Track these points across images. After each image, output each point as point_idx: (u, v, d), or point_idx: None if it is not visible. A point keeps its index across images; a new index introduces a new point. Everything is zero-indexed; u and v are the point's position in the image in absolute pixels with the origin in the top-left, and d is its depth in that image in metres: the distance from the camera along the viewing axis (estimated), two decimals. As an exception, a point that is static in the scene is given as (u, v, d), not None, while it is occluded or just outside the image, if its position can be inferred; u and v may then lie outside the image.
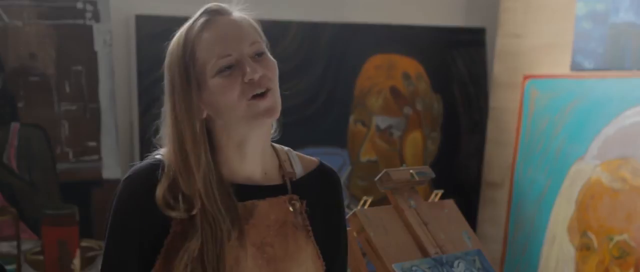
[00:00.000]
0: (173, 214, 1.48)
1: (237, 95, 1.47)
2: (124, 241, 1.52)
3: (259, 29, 1.55)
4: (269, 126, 1.57)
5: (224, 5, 1.53)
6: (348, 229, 1.81)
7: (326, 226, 1.64)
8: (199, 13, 1.51)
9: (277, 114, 1.50)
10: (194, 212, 1.47)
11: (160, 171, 1.50)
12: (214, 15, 1.51)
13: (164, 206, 1.48)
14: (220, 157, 1.53)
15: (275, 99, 1.49)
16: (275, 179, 1.59)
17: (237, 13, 1.53)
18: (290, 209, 1.57)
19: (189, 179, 1.48)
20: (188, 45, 1.48)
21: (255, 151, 1.55)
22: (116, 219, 1.53)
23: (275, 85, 1.50)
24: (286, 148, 1.65)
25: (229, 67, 1.48)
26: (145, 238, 1.50)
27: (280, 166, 1.61)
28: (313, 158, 1.68)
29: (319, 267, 1.60)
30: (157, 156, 1.55)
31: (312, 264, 1.58)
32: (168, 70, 1.52)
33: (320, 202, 1.63)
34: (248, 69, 1.46)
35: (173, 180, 1.50)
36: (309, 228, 1.59)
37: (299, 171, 1.63)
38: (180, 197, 1.48)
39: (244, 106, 1.47)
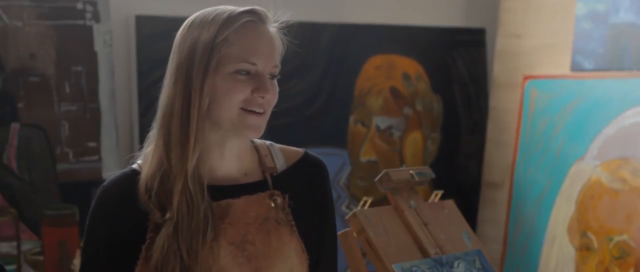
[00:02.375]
0: (153, 207, 1.50)
1: (239, 100, 1.50)
2: (98, 253, 1.54)
3: (282, 53, 1.58)
4: (249, 138, 1.60)
5: (269, 14, 1.56)
6: (348, 229, 1.81)
7: (311, 217, 1.64)
8: (245, 8, 1.53)
9: (260, 135, 1.54)
10: (167, 217, 1.49)
11: (135, 180, 1.52)
12: (259, 20, 1.54)
13: (144, 199, 1.50)
14: (201, 154, 1.54)
15: (265, 122, 1.54)
16: (255, 176, 1.61)
17: (274, 28, 1.57)
18: (272, 205, 1.58)
19: (183, 155, 1.50)
20: (224, 31, 1.50)
21: (232, 152, 1.57)
22: (91, 229, 1.56)
23: (270, 110, 1.55)
24: (268, 142, 1.67)
25: (247, 73, 1.50)
26: (121, 247, 1.52)
27: (261, 162, 1.62)
28: (298, 149, 1.69)
29: (303, 261, 1.60)
30: (134, 166, 1.58)
31: (296, 259, 1.59)
32: (190, 43, 1.52)
33: (305, 194, 1.64)
34: (262, 88, 1.50)
35: (159, 165, 1.52)
36: (293, 223, 1.59)
37: (280, 164, 1.64)
38: (155, 190, 1.50)
39: (237, 113, 1.51)
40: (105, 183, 1.56)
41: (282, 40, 1.59)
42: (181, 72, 1.51)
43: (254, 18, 1.53)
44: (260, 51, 1.51)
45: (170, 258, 1.48)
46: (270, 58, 1.53)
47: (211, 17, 1.52)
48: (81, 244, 2.90)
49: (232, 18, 1.51)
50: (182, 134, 1.50)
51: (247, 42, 1.51)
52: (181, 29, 1.55)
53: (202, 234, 1.50)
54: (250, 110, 1.51)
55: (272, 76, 1.54)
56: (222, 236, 1.52)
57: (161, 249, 1.48)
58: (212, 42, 1.49)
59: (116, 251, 1.52)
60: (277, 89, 1.56)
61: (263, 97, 1.50)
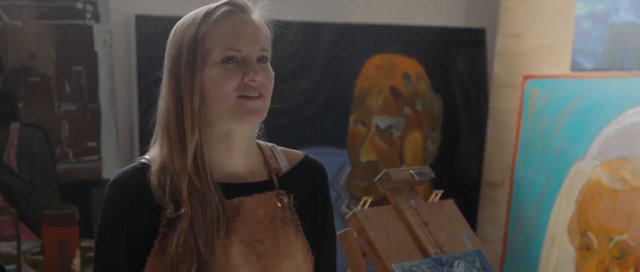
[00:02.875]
0: (168, 202, 1.51)
1: (232, 89, 1.51)
2: (113, 245, 1.55)
3: (270, 37, 1.59)
4: (254, 125, 1.60)
5: (248, 2, 1.57)
6: (348, 229, 1.81)
7: (313, 218, 1.66)
8: (223, 1, 1.55)
9: (262, 118, 1.55)
10: (181, 212, 1.50)
11: (146, 173, 1.53)
12: (238, 9, 1.55)
13: (158, 192, 1.51)
14: (208, 151, 1.55)
15: (265, 104, 1.54)
16: (261, 175, 1.62)
17: (256, 15, 1.57)
18: (278, 204, 1.59)
19: (182, 153, 1.51)
20: (204, 26, 1.52)
21: (240, 145, 1.58)
22: (104, 224, 1.56)
23: (268, 94, 1.55)
24: (270, 144, 1.69)
25: (234, 60, 1.51)
26: (134, 240, 1.53)
27: (266, 162, 1.63)
28: (298, 152, 1.71)
29: (308, 261, 1.62)
30: (142, 160, 1.58)
31: (302, 258, 1.60)
32: (176, 45, 1.54)
33: (307, 195, 1.65)
34: (251, 71, 1.50)
35: (166, 162, 1.53)
36: (298, 222, 1.61)
37: (284, 165, 1.65)
38: (168, 187, 1.51)
39: (233, 100, 1.51)
40: (116, 176, 1.57)
41: (268, 26, 1.59)
42: (172, 73, 1.53)
43: (233, 8, 1.54)
44: (242, 36, 1.52)
45: (187, 253, 1.48)
46: (254, 42, 1.53)
47: (193, 17, 1.55)
48: (82, 244, 2.91)
49: (210, 12, 1.53)
50: (178, 133, 1.52)
51: (228, 29, 1.52)
52: (170, 34, 1.58)
53: (217, 229, 1.50)
54: (247, 96, 1.52)
55: (263, 60, 1.55)
56: (234, 234, 1.53)
57: (177, 244, 1.48)
58: (194, 38, 1.51)
59: (129, 244, 1.53)
60: (272, 72, 1.56)
61: (254, 81, 1.51)
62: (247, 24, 1.54)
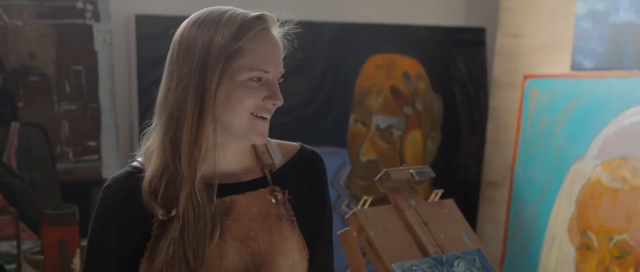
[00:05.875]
0: (157, 207, 1.50)
1: (251, 106, 1.51)
2: (103, 250, 1.55)
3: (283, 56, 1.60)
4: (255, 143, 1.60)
5: (276, 19, 1.58)
6: (348, 228, 1.81)
7: (310, 210, 1.66)
8: (257, 14, 1.53)
9: (265, 141, 1.57)
10: (173, 214, 1.49)
11: (139, 177, 1.52)
12: (271, 27, 1.56)
13: (149, 197, 1.50)
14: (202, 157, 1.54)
15: (268, 126, 1.56)
16: (255, 173, 1.62)
17: (278, 32, 1.58)
18: (273, 201, 1.58)
19: (193, 160, 1.49)
20: (238, 39, 1.50)
21: (235, 152, 1.59)
22: (95, 228, 1.56)
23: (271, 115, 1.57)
24: None
25: (260, 79, 1.52)
26: (125, 245, 1.53)
27: (259, 158, 1.63)
28: (293, 143, 1.71)
29: (303, 256, 1.62)
30: (135, 163, 1.57)
31: (297, 253, 1.60)
32: (201, 46, 1.50)
33: (303, 187, 1.65)
34: (275, 95, 1.52)
35: (163, 167, 1.51)
36: (294, 218, 1.60)
37: (278, 160, 1.65)
38: (161, 193, 1.50)
39: (248, 118, 1.52)
40: (109, 182, 1.56)
41: (283, 43, 1.60)
42: (193, 77, 1.50)
43: (267, 26, 1.55)
44: (272, 59, 1.54)
45: (176, 263, 1.48)
46: (279, 64, 1.56)
47: (223, 19, 1.51)
48: (82, 243, 2.91)
49: (246, 25, 1.51)
50: (192, 140, 1.50)
51: (261, 51, 1.52)
52: (188, 27, 1.53)
53: (209, 236, 1.50)
54: (259, 116, 1.52)
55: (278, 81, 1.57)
56: (227, 233, 1.53)
57: (166, 252, 1.48)
58: (226, 49, 1.49)
59: (121, 250, 1.53)
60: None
61: (274, 104, 1.53)
62: (275, 46, 1.56)
